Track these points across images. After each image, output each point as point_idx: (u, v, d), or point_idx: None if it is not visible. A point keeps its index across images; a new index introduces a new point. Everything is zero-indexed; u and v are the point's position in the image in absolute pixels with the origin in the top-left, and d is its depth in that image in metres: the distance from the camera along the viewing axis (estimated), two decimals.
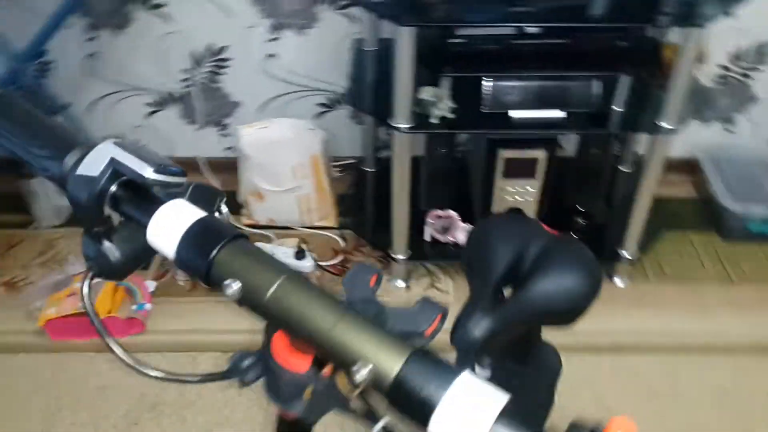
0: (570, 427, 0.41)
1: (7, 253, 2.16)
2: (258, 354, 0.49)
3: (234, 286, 0.48)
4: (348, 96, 1.88)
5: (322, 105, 2.30)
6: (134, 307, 1.91)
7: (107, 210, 0.51)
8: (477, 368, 1.17)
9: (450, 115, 1.74)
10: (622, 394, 1.76)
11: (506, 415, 0.42)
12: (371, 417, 0.52)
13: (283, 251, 2.10)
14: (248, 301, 0.48)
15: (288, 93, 2.27)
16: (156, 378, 0.53)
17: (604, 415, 1.71)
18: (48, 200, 2.19)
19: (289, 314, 0.47)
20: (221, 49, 2.17)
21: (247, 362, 0.49)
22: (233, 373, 0.50)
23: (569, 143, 2.20)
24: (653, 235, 2.14)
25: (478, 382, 0.43)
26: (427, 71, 1.72)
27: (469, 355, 0.98)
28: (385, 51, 1.89)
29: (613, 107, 1.72)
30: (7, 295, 2.03)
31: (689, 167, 2.37)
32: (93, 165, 0.50)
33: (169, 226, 0.51)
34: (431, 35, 1.72)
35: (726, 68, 2.20)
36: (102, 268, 0.53)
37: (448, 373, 0.43)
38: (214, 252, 0.49)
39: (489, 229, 1.13)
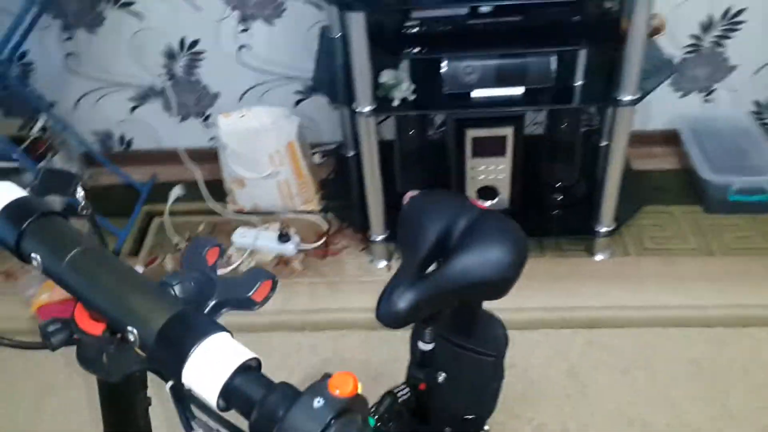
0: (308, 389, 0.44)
1: None
2: (65, 320, 0.53)
3: (38, 258, 0.52)
4: (315, 82, 1.91)
5: (299, 92, 2.34)
6: None
7: None
8: (420, 341, 1.20)
9: (411, 97, 1.76)
10: (597, 369, 1.77)
11: (246, 369, 0.45)
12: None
13: (266, 235, 2.15)
14: (48, 271, 0.52)
15: (264, 82, 2.31)
16: None
17: (578, 389, 1.73)
18: None
19: (79, 283, 0.51)
20: (194, 43, 2.22)
21: (53, 327, 0.52)
22: (43, 338, 0.54)
23: (537, 120, 2.20)
24: (635, 208, 2.13)
25: (230, 341, 0.47)
26: (386, 55, 1.73)
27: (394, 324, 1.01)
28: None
29: (573, 82, 1.72)
30: (6, 283, 2.11)
31: (672, 139, 2.34)
32: None
33: None
34: (386, 19, 1.73)
35: (697, 37, 2.16)
36: None
37: (204, 331, 0.46)
38: (23, 226, 0.53)
39: (417, 206, 1.16)
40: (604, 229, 1.99)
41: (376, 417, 1.12)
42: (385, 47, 1.71)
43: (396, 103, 1.75)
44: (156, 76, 2.31)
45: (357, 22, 1.59)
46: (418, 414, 1.30)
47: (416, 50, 1.69)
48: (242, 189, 2.21)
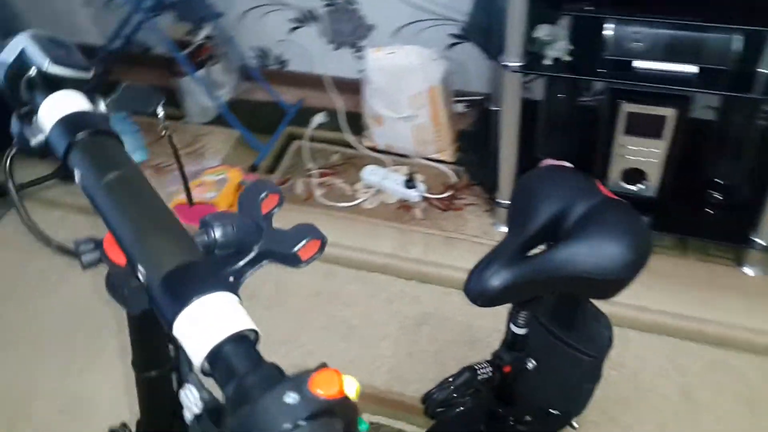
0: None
1: (160, 141, 2.42)
2: (98, 242, 0.53)
3: (78, 173, 0.51)
4: (467, 27, 1.80)
5: (454, 35, 2.23)
6: None
7: (25, 94, 0.56)
8: (512, 324, 1.12)
9: (566, 58, 1.61)
10: (716, 392, 1.59)
11: (241, 339, 0.41)
12: None
13: (394, 177, 2.13)
14: (85, 189, 0.51)
15: (421, 20, 2.23)
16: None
17: (689, 409, 1.55)
18: (196, 99, 2.40)
19: (108, 209, 0.49)
20: None
21: (85, 247, 0.52)
22: (76, 255, 0.54)
23: (709, 104, 1.93)
24: None
25: (234, 305, 0.43)
26: (547, 8, 1.59)
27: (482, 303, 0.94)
28: None
29: (757, 68, 1.47)
30: (154, 177, 2.28)
31: None
32: (8, 53, 0.55)
33: (53, 110, 0.55)
34: None
35: None
36: (22, 146, 0.59)
37: (209, 287, 0.43)
38: (74, 139, 0.52)
39: (536, 180, 1.06)
40: (761, 242, 1.74)
41: (452, 388, 1.07)
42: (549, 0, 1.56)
43: (547, 61, 1.61)
44: (318, 0, 2.31)
45: None
46: (501, 395, 1.24)
47: (581, 6, 1.53)
48: (379, 127, 2.19)
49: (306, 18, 2.38)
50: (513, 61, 1.62)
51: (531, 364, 1.16)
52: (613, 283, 0.92)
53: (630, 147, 1.76)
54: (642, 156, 1.77)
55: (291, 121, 2.43)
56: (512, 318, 1.09)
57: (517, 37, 1.57)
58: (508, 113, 1.73)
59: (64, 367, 1.73)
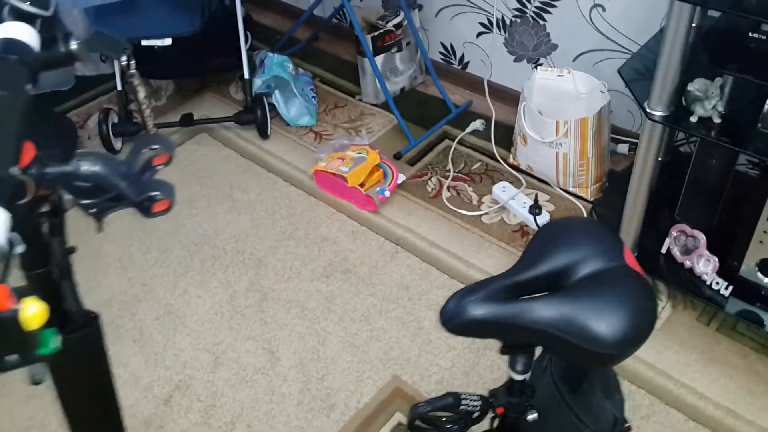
0: None
1: (332, 110, 2.62)
2: None
3: None
4: (624, 69, 1.68)
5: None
6: (378, 189, 2.16)
7: None
8: (510, 368, 1.08)
9: (716, 120, 1.45)
10: None
11: None
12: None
13: (522, 199, 2.09)
14: None
15: (604, 49, 2.12)
16: None
17: None
18: (373, 80, 2.54)
19: None
20: None
21: None
22: None
23: None
24: None
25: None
26: (711, 64, 1.44)
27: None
28: None
29: None
30: (315, 141, 2.48)
31: None
32: None
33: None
34: (729, 22, 1.41)
35: None
36: None
37: None
38: None
39: (561, 227, 1.01)
40: None
41: (429, 408, 1.07)
42: (714, 54, 1.42)
43: (693, 118, 1.46)
44: (508, 9, 2.30)
45: (680, 13, 1.34)
46: None
47: (748, 68, 1.36)
48: (524, 146, 2.14)
49: (494, 25, 2.38)
50: (656, 109, 1.49)
51: (532, 415, 1.11)
52: (594, 354, 0.85)
53: None
54: None
55: (450, 122, 2.47)
56: (510, 362, 1.04)
57: (668, 84, 1.45)
58: (641, 165, 1.61)
59: (173, 283, 1.99)
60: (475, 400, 1.08)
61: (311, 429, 1.60)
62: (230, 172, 2.36)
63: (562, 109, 2.01)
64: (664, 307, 1.79)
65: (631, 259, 0.91)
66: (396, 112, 2.37)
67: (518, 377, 1.06)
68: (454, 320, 0.90)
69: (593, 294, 0.87)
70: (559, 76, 2.06)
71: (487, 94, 2.53)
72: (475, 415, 1.09)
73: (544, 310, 0.87)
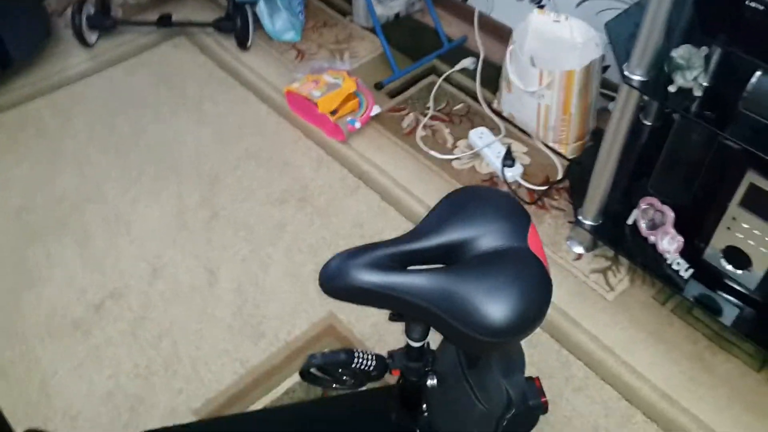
0: None
1: (320, 29, 2.48)
2: None
3: None
4: (612, 23, 1.54)
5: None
6: (349, 119, 2.06)
7: None
8: (405, 334, 1.01)
9: (696, 93, 1.33)
10: None
11: None
12: None
13: (497, 148, 1.98)
14: None
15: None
16: None
17: None
18: (363, 4, 2.39)
19: None
20: None
21: None
22: None
23: None
24: None
25: None
26: (699, 32, 1.30)
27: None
28: None
29: None
30: (296, 59, 2.36)
31: None
32: None
33: None
34: None
35: None
36: None
37: None
38: None
39: (467, 197, 0.93)
40: None
41: (322, 360, 1.02)
42: (704, 23, 1.28)
43: (672, 88, 1.34)
44: None
45: None
46: (405, 402, 1.16)
47: (737, 41, 1.23)
48: (508, 92, 2.02)
49: None
50: (635, 73, 1.37)
51: (431, 381, 1.06)
52: (470, 339, 0.79)
53: (743, 224, 1.44)
54: (752, 239, 1.44)
55: (441, 56, 2.33)
56: (405, 328, 0.99)
57: (648, 49, 1.32)
58: (612, 132, 1.50)
59: (125, 188, 1.94)
60: (369, 360, 1.04)
61: (237, 353, 1.58)
62: (203, 80, 2.26)
63: (557, 57, 1.87)
64: (621, 280, 1.72)
65: (535, 242, 0.83)
66: (383, 39, 2.23)
67: (415, 344, 1.01)
68: (332, 283, 0.83)
69: (482, 274, 0.80)
70: (555, 21, 1.91)
71: (476, 31, 2.37)
72: (373, 373, 1.05)
73: (425, 285, 0.80)
